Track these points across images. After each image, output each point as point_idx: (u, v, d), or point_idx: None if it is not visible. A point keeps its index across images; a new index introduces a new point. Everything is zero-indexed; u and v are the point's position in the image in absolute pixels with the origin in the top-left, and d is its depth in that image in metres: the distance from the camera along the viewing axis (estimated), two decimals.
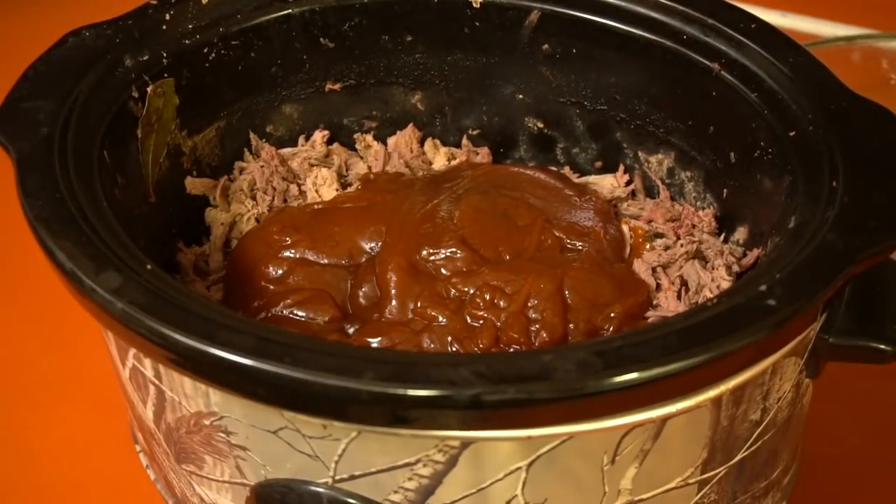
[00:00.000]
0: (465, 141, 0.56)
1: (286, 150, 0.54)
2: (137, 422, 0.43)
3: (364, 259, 0.46)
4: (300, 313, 0.44)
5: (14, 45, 0.66)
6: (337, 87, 0.54)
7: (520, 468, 0.34)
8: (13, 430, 0.53)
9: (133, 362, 0.38)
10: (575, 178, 0.53)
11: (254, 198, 0.51)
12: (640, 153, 0.52)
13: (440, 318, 0.42)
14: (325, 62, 0.53)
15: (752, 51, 0.45)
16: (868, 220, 0.36)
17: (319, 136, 0.54)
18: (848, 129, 0.40)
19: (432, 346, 0.42)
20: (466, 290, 0.43)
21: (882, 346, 0.37)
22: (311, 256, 0.46)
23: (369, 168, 0.54)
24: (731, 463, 0.37)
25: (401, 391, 0.30)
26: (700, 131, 0.48)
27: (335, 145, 0.55)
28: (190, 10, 0.48)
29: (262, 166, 0.52)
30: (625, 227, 0.49)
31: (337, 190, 0.51)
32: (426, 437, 0.32)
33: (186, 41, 0.48)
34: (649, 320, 0.44)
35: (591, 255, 0.46)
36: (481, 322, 0.42)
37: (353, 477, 0.34)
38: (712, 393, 0.34)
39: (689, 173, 0.50)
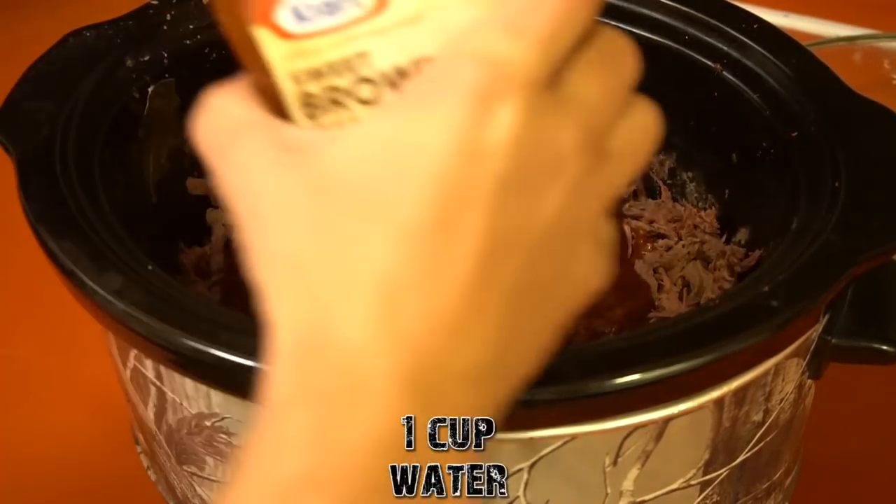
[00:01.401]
0: None
1: None
2: (138, 423, 0.42)
3: None
4: None
5: (14, 46, 0.66)
6: None
7: (522, 469, 0.34)
8: (13, 431, 0.53)
9: (134, 363, 0.38)
10: None
11: None
12: None
13: None
14: None
15: (754, 51, 0.45)
16: (870, 222, 0.36)
17: None
18: (850, 130, 0.40)
19: None
20: None
21: (884, 347, 0.36)
22: None
23: None
24: (734, 464, 0.37)
25: None
26: (702, 132, 0.48)
27: None
28: (191, 11, 0.48)
29: None
30: (626, 228, 0.49)
31: None
32: None
33: (188, 41, 0.47)
34: (651, 321, 0.44)
35: None
36: None
37: None
38: (714, 394, 0.34)
39: (690, 174, 0.50)
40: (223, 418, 0.35)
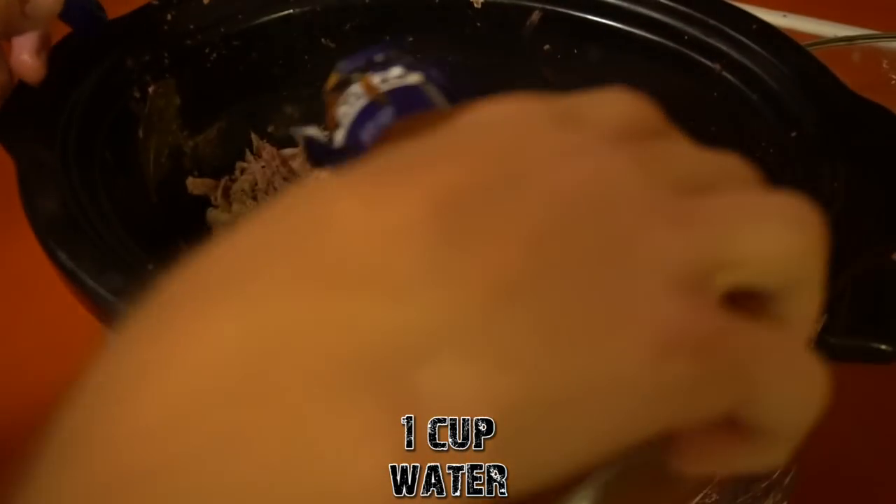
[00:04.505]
0: None
1: (287, 151, 0.54)
2: None
3: None
4: None
5: None
6: None
7: None
8: (12, 431, 0.53)
9: None
10: None
11: (255, 198, 0.51)
12: None
13: None
14: (327, 62, 0.53)
15: (753, 52, 0.45)
16: (868, 221, 0.36)
17: None
18: (848, 130, 0.40)
19: None
20: None
21: (883, 347, 0.36)
22: None
23: None
24: None
25: None
26: (701, 132, 0.48)
27: None
28: (191, 11, 0.48)
29: (263, 167, 0.52)
30: None
31: None
32: None
33: (188, 41, 0.47)
34: None
35: None
36: None
37: None
38: None
39: None
40: None
